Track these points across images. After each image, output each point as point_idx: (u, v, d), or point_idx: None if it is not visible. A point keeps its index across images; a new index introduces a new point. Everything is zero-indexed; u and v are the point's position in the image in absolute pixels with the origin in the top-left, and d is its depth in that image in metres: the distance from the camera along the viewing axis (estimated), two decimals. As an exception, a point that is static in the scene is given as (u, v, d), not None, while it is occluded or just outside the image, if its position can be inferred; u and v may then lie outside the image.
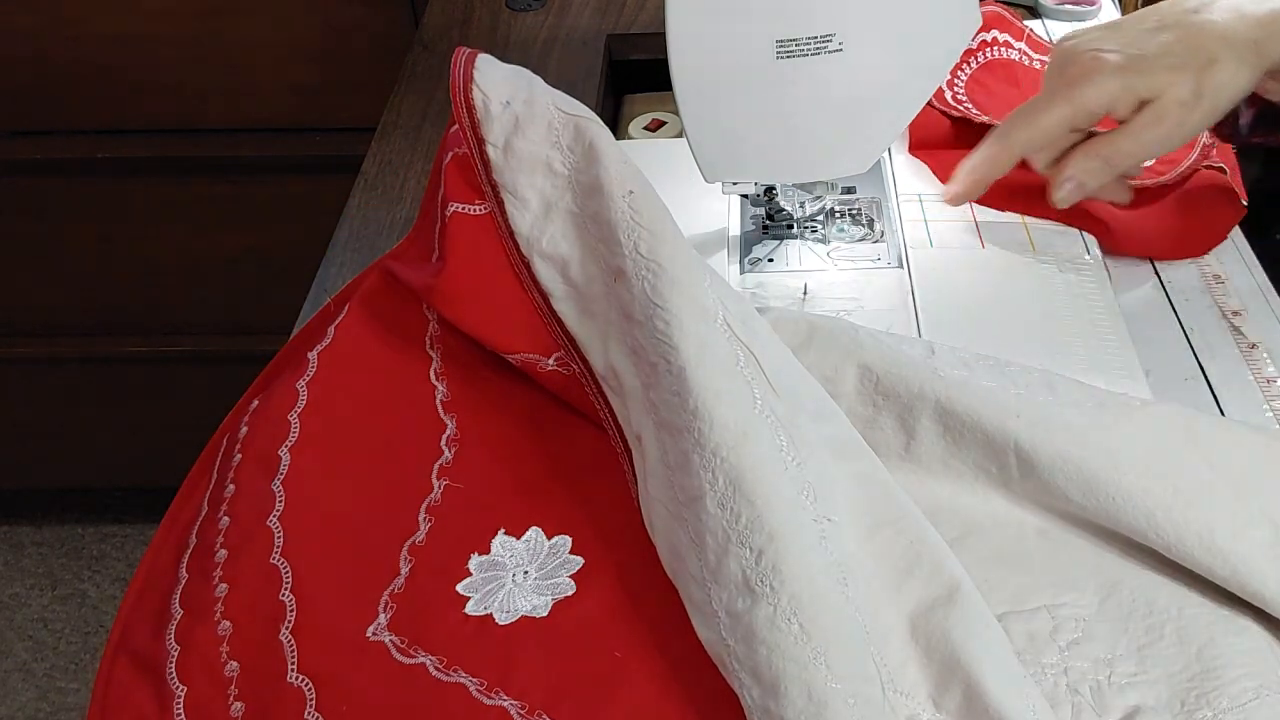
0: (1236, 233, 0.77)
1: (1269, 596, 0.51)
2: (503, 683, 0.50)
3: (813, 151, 0.72)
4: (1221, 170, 0.78)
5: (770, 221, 0.77)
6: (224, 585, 0.55)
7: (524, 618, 0.53)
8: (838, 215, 0.78)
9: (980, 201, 0.76)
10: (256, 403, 0.64)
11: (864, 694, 0.46)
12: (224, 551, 0.57)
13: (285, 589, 0.54)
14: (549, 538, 0.57)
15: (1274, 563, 0.52)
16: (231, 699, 0.51)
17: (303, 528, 0.57)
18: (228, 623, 0.54)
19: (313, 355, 0.65)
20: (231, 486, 0.60)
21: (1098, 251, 0.74)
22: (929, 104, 0.79)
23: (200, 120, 1.36)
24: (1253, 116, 0.75)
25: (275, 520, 0.57)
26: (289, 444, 0.61)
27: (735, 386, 0.53)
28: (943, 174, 0.79)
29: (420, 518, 0.58)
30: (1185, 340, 0.69)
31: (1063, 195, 0.70)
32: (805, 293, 0.72)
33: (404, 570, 0.56)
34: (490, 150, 0.64)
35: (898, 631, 0.49)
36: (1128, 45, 0.68)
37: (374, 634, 0.53)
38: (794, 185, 0.75)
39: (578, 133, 0.63)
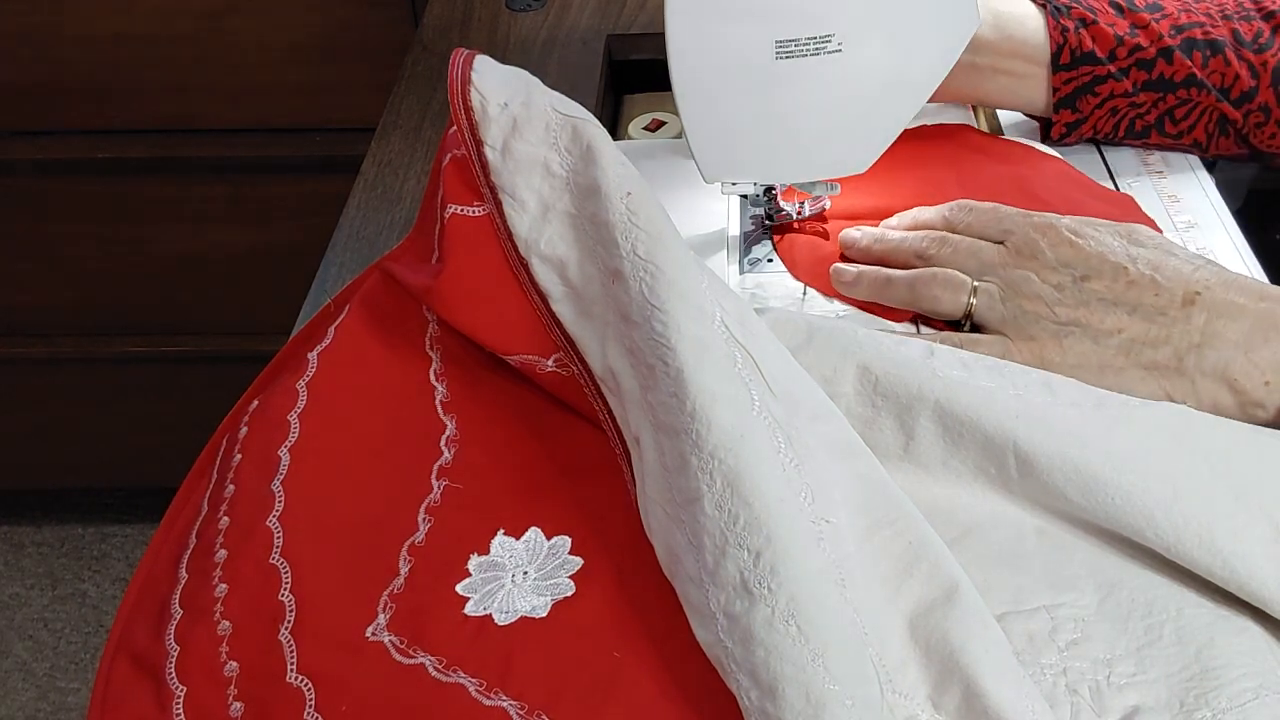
0: (1236, 233, 0.77)
1: (1268, 596, 0.51)
2: (502, 683, 0.50)
3: (812, 151, 0.72)
4: None
5: (770, 222, 0.77)
6: (223, 585, 0.55)
7: (523, 618, 0.53)
8: (837, 215, 0.78)
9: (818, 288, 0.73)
10: (256, 403, 0.64)
11: (862, 695, 0.46)
12: (224, 551, 0.57)
13: (285, 589, 0.54)
14: (548, 538, 0.57)
15: (1273, 563, 0.51)
16: (231, 699, 0.51)
17: (302, 528, 0.57)
18: (227, 623, 0.54)
19: (313, 356, 0.65)
20: (231, 487, 0.60)
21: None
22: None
23: (200, 120, 1.36)
24: None
25: (275, 520, 0.57)
26: (289, 444, 0.61)
27: (733, 388, 0.53)
28: (794, 265, 0.74)
29: (420, 518, 0.58)
30: (1185, 340, 0.69)
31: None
32: (804, 293, 0.72)
33: (403, 570, 0.56)
34: (488, 152, 0.64)
35: (897, 632, 0.49)
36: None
37: (373, 634, 0.53)
38: (793, 185, 0.75)
39: (575, 134, 0.63)
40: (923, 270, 0.68)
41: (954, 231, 0.69)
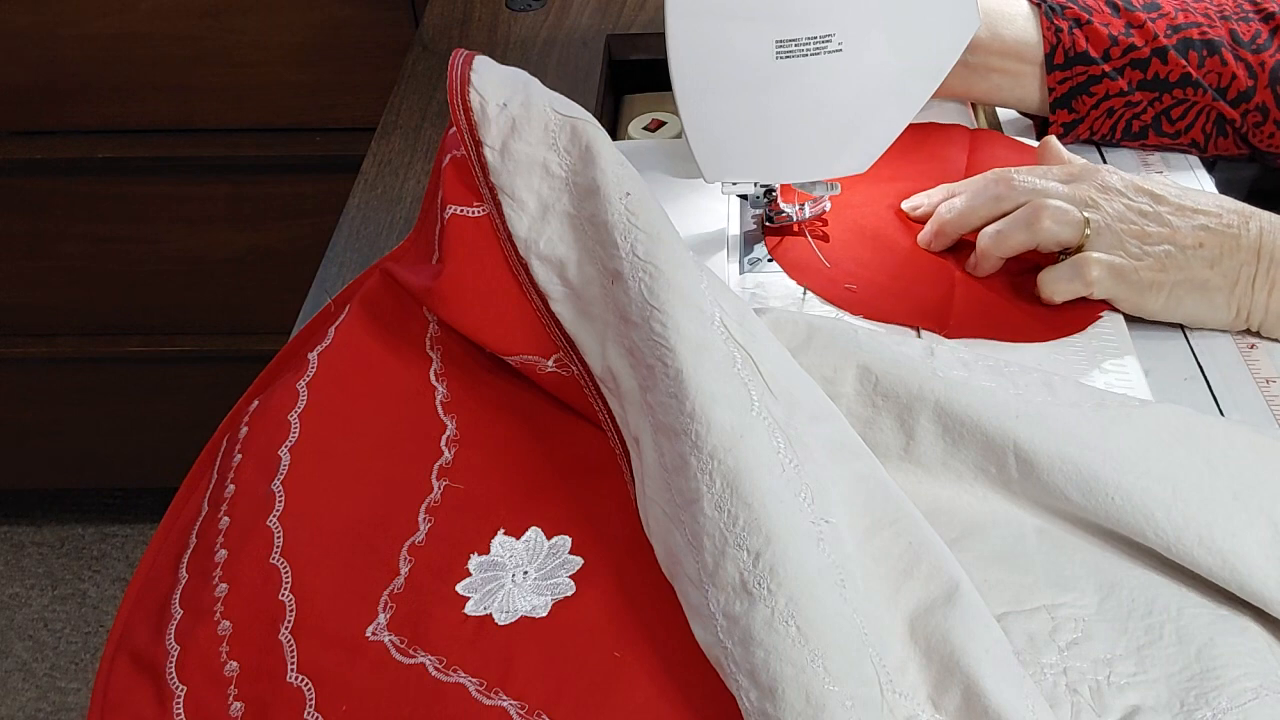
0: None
1: (1268, 596, 0.51)
2: (502, 683, 0.50)
3: (813, 151, 0.72)
4: None
5: (770, 223, 0.77)
6: (224, 585, 0.55)
7: (523, 618, 0.53)
8: (837, 215, 0.78)
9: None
10: (256, 403, 0.65)
11: (862, 696, 0.46)
12: (224, 551, 0.57)
13: (285, 589, 0.54)
14: (548, 538, 0.57)
15: (1273, 562, 0.52)
16: (231, 699, 0.51)
17: (303, 528, 0.57)
18: (227, 622, 0.54)
19: (313, 356, 0.65)
20: (231, 486, 0.60)
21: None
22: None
23: (200, 120, 1.36)
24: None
25: (275, 520, 0.57)
26: (289, 444, 0.61)
27: (732, 388, 0.53)
28: (792, 268, 0.74)
29: (420, 518, 0.58)
30: (1185, 340, 0.69)
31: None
32: (804, 294, 0.72)
33: (404, 570, 0.56)
34: (488, 153, 0.64)
35: (897, 633, 0.49)
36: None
37: (374, 634, 0.53)
38: (793, 185, 0.75)
39: (574, 134, 0.63)
40: (1026, 208, 0.69)
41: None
